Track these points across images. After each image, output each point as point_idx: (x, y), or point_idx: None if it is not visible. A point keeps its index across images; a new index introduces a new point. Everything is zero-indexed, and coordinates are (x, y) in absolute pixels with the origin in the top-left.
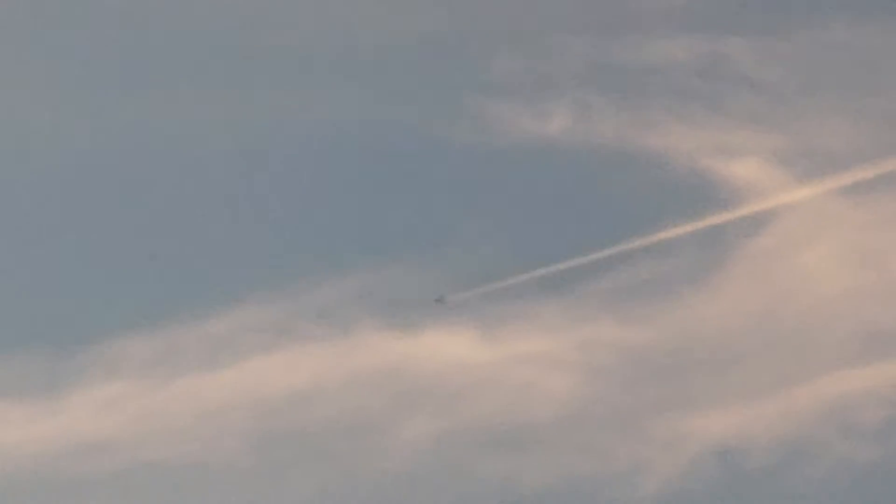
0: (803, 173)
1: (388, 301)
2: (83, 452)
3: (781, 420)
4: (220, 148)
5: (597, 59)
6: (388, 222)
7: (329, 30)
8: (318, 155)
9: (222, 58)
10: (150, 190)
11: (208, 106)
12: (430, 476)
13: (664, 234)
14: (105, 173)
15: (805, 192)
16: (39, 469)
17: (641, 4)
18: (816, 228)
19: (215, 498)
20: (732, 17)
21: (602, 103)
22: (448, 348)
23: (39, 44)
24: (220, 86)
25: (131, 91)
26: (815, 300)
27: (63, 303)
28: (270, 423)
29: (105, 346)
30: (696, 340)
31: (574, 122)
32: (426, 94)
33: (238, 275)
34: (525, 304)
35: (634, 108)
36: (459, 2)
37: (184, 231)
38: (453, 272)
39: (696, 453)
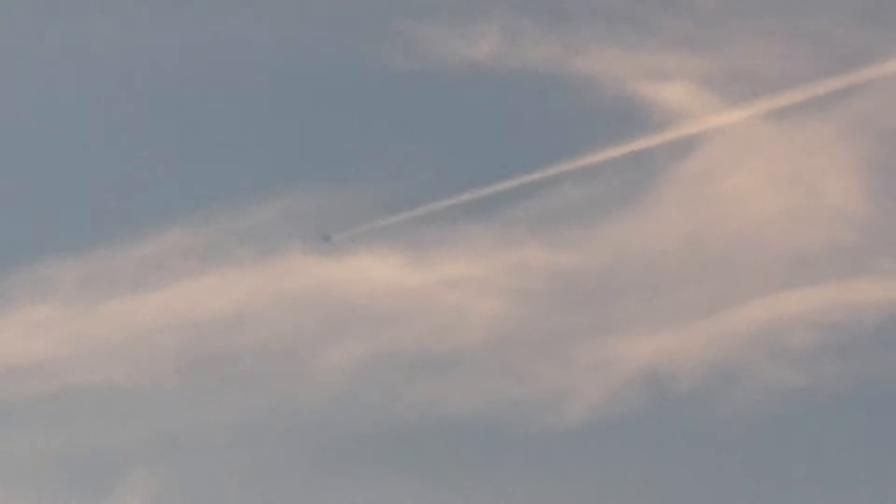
0: (733, 97)
1: (315, 225)
2: (11, 375)
3: (710, 344)
4: (141, 68)
5: None
6: (314, 146)
7: None
8: (242, 77)
9: None
10: (79, 112)
11: (140, 24)
12: (356, 399)
13: (592, 158)
14: (35, 95)
15: (735, 115)
16: None
17: None
18: (746, 152)
19: (144, 420)
20: None
21: (530, 26)
22: (375, 272)
23: None
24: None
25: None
26: (744, 224)
27: None
28: (199, 346)
29: (33, 269)
30: (625, 264)
31: (501, 46)
32: (352, 16)
33: (166, 198)
34: (452, 229)
35: (563, 31)
36: None
37: (111, 154)
38: (380, 196)
39: (623, 377)
